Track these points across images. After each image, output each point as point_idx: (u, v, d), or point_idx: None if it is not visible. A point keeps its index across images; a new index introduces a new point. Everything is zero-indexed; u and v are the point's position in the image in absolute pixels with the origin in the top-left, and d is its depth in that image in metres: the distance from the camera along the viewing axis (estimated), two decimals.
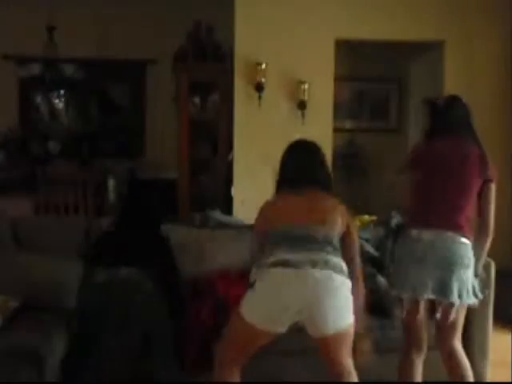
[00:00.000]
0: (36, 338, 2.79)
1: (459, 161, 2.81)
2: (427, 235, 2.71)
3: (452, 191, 2.79)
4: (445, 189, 2.78)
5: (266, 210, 2.62)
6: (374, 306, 3.31)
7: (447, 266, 2.66)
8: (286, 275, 2.35)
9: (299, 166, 2.65)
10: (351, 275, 2.47)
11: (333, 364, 2.44)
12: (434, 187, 2.79)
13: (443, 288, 2.66)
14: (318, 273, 2.35)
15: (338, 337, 2.36)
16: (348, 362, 2.44)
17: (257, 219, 2.65)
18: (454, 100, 3.04)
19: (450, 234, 2.72)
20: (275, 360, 3.08)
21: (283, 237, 2.48)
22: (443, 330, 2.83)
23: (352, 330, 2.40)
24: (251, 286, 2.45)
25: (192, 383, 3.04)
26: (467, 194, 2.83)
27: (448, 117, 2.92)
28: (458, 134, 2.88)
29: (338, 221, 2.55)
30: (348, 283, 2.42)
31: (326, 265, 2.38)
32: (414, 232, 2.74)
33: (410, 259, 2.71)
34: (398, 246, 2.86)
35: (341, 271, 2.42)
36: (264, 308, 2.38)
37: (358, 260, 2.60)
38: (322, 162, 2.69)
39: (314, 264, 2.36)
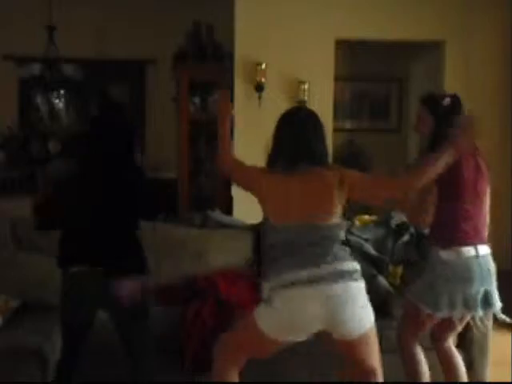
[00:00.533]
0: (36, 338, 2.79)
1: (475, 169, 2.75)
2: (480, 251, 2.74)
3: (478, 202, 2.80)
4: (473, 201, 2.76)
5: (262, 180, 2.45)
6: (374, 306, 3.31)
7: (489, 279, 2.75)
8: (301, 295, 2.29)
9: (296, 139, 2.45)
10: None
11: (359, 364, 2.42)
12: (465, 201, 2.73)
13: (487, 300, 2.72)
14: (332, 289, 2.29)
15: (363, 339, 2.35)
16: (374, 361, 2.44)
17: (250, 170, 2.55)
18: (459, 100, 2.88)
19: (486, 246, 2.80)
20: (275, 360, 3.08)
21: (284, 243, 2.36)
22: (445, 332, 2.85)
23: (374, 329, 2.40)
24: (266, 301, 2.35)
25: (192, 383, 3.04)
26: (486, 203, 2.87)
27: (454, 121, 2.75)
28: None
29: (335, 198, 2.36)
30: (362, 284, 2.37)
31: (339, 276, 2.30)
32: (465, 249, 2.70)
33: (458, 276, 2.67)
34: (435, 265, 2.74)
35: (352, 275, 2.33)
36: (286, 324, 2.32)
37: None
38: (321, 134, 2.49)
39: (327, 279, 2.29)
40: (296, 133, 2.46)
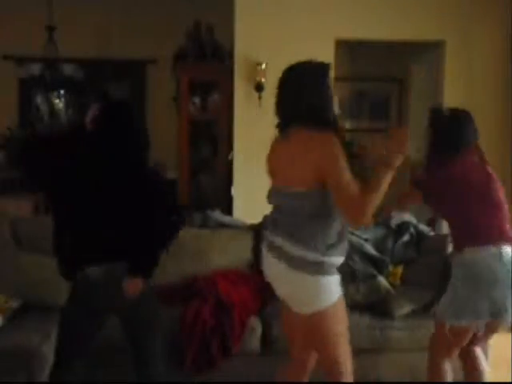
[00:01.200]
0: (36, 338, 2.79)
1: (482, 170, 2.74)
2: (505, 251, 2.53)
3: (494, 203, 2.66)
4: (489, 202, 2.64)
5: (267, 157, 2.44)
6: (374, 306, 3.31)
7: None
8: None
9: (281, 100, 2.39)
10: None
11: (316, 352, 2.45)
12: (480, 202, 2.62)
13: None
14: (271, 259, 2.30)
15: (313, 318, 2.23)
16: (334, 350, 2.33)
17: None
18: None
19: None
20: (276, 360, 3.08)
21: (272, 207, 2.38)
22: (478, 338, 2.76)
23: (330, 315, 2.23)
24: None
25: (192, 383, 3.04)
26: (503, 203, 2.73)
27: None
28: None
29: (308, 174, 2.15)
30: (305, 278, 2.19)
31: (280, 254, 2.24)
32: (493, 249, 2.51)
33: (481, 279, 2.51)
34: (456, 271, 2.62)
35: (298, 266, 2.19)
36: None
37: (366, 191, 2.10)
38: (319, 90, 2.22)
39: (270, 248, 2.30)
40: (285, 90, 2.36)
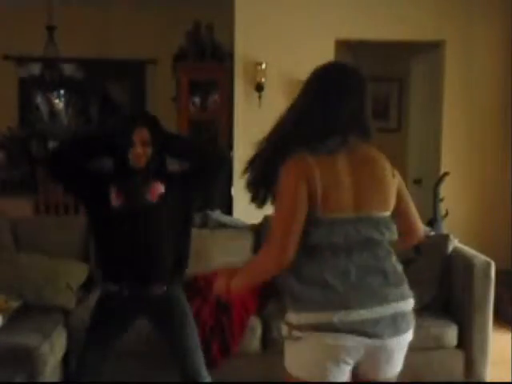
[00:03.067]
0: (36, 338, 2.79)
1: None
2: None
3: None
4: None
5: (315, 171, 1.73)
6: None
7: None
8: None
9: (341, 107, 1.81)
10: None
11: None
12: None
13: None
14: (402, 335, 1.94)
15: None
16: None
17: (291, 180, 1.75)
18: None
19: None
20: (276, 360, 3.08)
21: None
22: None
23: None
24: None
25: (192, 383, 3.04)
26: None
27: None
28: None
29: (393, 197, 1.87)
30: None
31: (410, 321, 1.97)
32: None
33: None
34: None
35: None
36: None
37: None
38: (368, 100, 1.87)
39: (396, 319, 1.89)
40: (343, 97, 1.81)
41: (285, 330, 1.78)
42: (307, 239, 1.73)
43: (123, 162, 2.49)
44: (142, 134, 2.44)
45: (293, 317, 1.75)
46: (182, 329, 2.53)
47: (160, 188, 2.51)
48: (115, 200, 2.47)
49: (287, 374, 1.80)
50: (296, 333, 1.73)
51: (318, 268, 1.74)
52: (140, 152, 2.44)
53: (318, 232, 1.73)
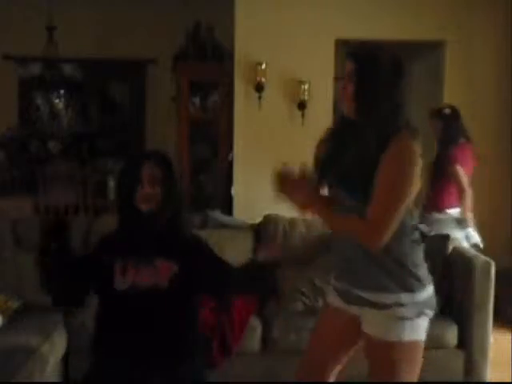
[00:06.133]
0: (36, 338, 2.79)
1: None
2: None
3: None
4: None
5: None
6: None
7: None
8: None
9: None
10: None
11: None
12: None
13: None
14: None
15: None
16: None
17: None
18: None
19: None
20: (276, 360, 3.08)
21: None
22: None
23: None
24: None
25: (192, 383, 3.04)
26: None
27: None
28: None
29: None
30: None
31: None
32: None
33: None
34: None
35: None
36: None
37: None
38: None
39: None
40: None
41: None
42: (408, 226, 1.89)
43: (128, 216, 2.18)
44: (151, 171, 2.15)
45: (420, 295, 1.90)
46: None
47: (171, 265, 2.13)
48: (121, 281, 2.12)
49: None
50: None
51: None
52: (148, 191, 2.13)
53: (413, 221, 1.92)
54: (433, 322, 3.03)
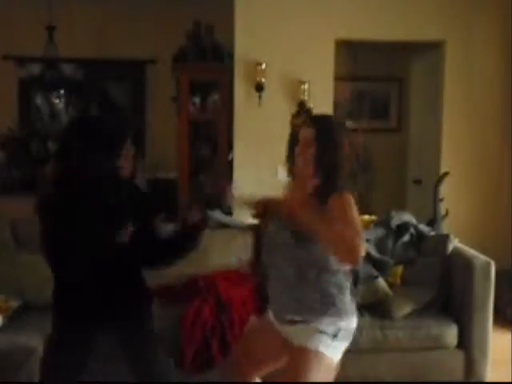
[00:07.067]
0: (36, 338, 2.79)
1: None
2: None
3: None
4: None
5: None
6: (374, 307, 3.31)
7: None
8: None
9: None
10: None
11: None
12: None
13: None
14: None
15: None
16: None
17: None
18: None
19: None
20: None
21: None
22: None
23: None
24: None
25: (192, 383, 3.04)
26: None
27: None
28: None
29: None
30: None
31: None
32: None
33: None
34: None
35: None
36: None
37: None
38: None
39: None
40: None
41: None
42: None
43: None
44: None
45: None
46: None
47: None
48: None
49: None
50: None
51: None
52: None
53: None
54: (433, 321, 3.05)
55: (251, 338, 2.45)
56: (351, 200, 2.13)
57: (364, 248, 2.00)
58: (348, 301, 2.24)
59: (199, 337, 3.04)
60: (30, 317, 3.03)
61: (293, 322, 2.20)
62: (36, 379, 2.68)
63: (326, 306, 2.18)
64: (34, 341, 2.77)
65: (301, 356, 2.14)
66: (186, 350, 3.02)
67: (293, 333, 2.20)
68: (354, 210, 2.11)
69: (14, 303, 3.08)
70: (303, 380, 2.10)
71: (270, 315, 2.34)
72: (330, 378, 2.19)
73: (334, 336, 2.16)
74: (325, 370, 2.15)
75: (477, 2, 4.88)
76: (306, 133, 2.23)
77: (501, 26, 4.93)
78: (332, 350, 2.16)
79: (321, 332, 2.15)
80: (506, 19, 4.91)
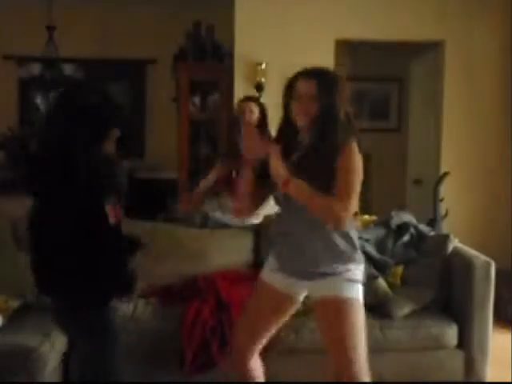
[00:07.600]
0: (36, 338, 2.79)
1: None
2: None
3: None
4: None
5: None
6: (374, 307, 3.31)
7: None
8: None
9: None
10: None
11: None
12: None
13: None
14: None
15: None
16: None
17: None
18: None
19: None
20: (275, 360, 3.08)
21: None
22: None
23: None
24: None
25: (192, 383, 3.04)
26: None
27: None
28: None
29: None
30: None
31: None
32: None
33: None
34: None
35: None
36: None
37: None
38: None
39: None
40: None
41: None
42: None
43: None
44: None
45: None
46: None
47: None
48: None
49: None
50: None
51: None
52: None
53: None
54: (433, 322, 3.04)
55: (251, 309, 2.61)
56: (354, 153, 2.24)
57: (352, 212, 2.18)
58: (356, 246, 2.35)
59: (199, 337, 3.04)
60: (30, 317, 3.03)
61: (316, 275, 2.29)
62: (36, 379, 2.68)
63: (345, 253, 2.29)
64: (34, 341, 2.76)
65: (336, 305, 2.27)
66: (186, 350, 3.02)
67: (317, 286, 2.30)
68: (354, 168, 2.20)
69: (14, 303, 3.07)
70: (348, 328, 2.25)
71: (268, 277, 2.46)
72: (363, 320, 2.32)
73: (358, 281, 2.31)
74: (361, 313, 2.30)
75: (477, 2, 4.88)
76: (307, 86, 2.42)
77: (501, 26, 4.93)
78: (360, 294, 2.31)
79: (347, 280, 2.28)
80: (506, 19, 4.91)
